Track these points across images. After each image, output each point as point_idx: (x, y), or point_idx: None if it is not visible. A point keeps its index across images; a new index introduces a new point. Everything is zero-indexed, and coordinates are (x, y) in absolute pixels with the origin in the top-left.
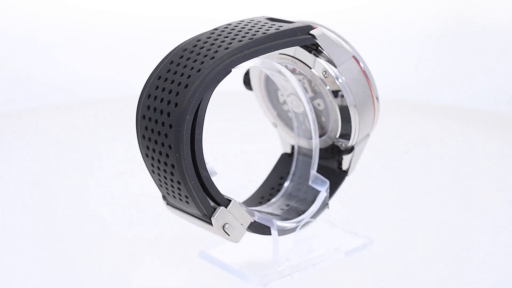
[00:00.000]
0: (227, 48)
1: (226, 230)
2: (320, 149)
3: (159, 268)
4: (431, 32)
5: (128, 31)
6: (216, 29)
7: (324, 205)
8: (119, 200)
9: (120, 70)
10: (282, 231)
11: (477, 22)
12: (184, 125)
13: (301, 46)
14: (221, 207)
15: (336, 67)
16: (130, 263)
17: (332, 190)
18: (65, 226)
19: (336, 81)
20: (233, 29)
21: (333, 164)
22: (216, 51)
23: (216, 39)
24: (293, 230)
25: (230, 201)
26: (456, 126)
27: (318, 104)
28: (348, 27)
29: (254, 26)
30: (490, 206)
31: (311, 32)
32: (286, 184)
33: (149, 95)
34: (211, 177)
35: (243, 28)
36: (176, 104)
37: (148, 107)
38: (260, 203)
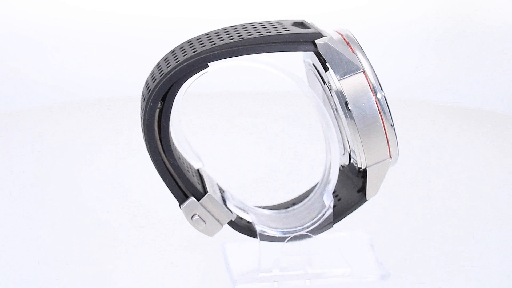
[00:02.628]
0: (214, 44)
1: (194, 222)
2: (348, 165)
3: (175, 254)
4: (431, 32)
5: (128, 31)
6: (232, 26)
7: (328, 223)
8: (122, 200)
9: (120, 70)
10: (266, 237)
11: (478, 22)
12: (147, 111)
13: (317, 57)
14: (191, 198)
15: (339, 80)
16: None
17: (348, 210)
18: (68, 226)
19: (336, 94)
20: (244, 28)
21: (359, 183)
22: (204, 46)
23: (218, 35)
24: (281, 239)
25: (206, 194)
26: (456, 126)
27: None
28: (348, 27)
29: (264, 27)
30: (499, 213)
31: (316, 40)
32: (311, 195)
33: (146, 82)
34: (195, 168)
35: (253, 28)
36: (150, 90)
37: (142, 92)
38: (287, 207)
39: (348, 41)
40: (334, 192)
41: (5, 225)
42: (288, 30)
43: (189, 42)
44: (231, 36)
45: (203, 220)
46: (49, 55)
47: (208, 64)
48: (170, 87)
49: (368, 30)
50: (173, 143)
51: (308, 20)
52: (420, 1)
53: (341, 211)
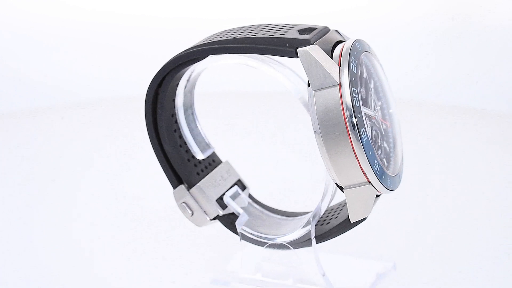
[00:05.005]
0: (211, 41)
1: (182, 209)
2: None
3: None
4: (431, 32)
5: (128, 31)
6: (249, 25)
7: (306, 239)
8: (123, 200)
9: (120, 70)
10: (247, 238)
11: (478, 22)
12: (146, 96)
13: None
14: (181, 186)
15: (313, 91)
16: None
17: (334, 228)
18: (68, 226)
19: (310, 105)
20: (253, 28)
21: None
22: (205, 41)
23: (225, 33)
24: (260, 243)
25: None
26: (456, 126)
27: None
28: (348, 27)
29: (268, 29)
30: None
31: (298, 48)
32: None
33: None
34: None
35: (258, 28)
36: None
37: None
38: (295, 216)
39: (343, 53)
40: (343, 208)
41: (5, 224)
42: (283, 34)
43: (207, 37)
44: (230, 35)
45: (191, 210)
46: (49, 55)
47: (199, 58)
48: (165, 76)
49: (368, 30)
50: (176, 131)
51: (336, 28)
52: (420, 1)
53: (329, 228)
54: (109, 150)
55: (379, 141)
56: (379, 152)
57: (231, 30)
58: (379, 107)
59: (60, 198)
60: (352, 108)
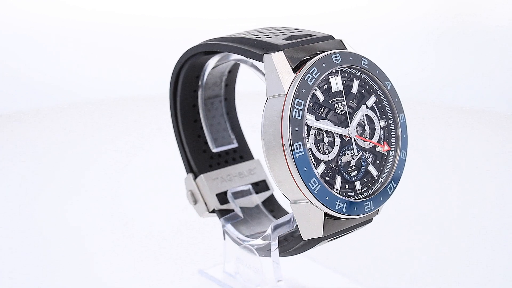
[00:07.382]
0: (216, 37)
1: (188, 197)
2: None
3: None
4: (431, 32)
5: (128, 31)
6: (266, 27)
7: (267, 250)
8: (122, 201)
9: (120, 70)
10: (229, 236)
11: (478, 22)
12: (169, 86)
13: None
14: (189, 174)
15: (268, 98)
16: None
17: (295, 241)
18: (67, 226)
19: (263, 111)
20: (259, 30)
21: None
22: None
23: (242, 32)
24: (238, 244)
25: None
26: (456, 126)
27: None
28: (348, 28)
29: (266, 32)
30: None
31: (268, 52)
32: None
33: None
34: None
35: (262, 31)
36: None
37: None
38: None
39: (306, 64)
40: None
41: (4, 224)
42: (269, 38)
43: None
44: (234, 34)
45: (195, 198)
46: (49, 55)
47: (199, 54)
48: (181, 68)
49: (368, 30)
50: (196, 121)
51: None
52: (420, 1)
53: (288, 242)
54: (109, 150)
55: (358, 163)
56: (354, 174)
57: (251, 30)
58: (379, 127)
59: (59, 197)
60: (288, 120)
